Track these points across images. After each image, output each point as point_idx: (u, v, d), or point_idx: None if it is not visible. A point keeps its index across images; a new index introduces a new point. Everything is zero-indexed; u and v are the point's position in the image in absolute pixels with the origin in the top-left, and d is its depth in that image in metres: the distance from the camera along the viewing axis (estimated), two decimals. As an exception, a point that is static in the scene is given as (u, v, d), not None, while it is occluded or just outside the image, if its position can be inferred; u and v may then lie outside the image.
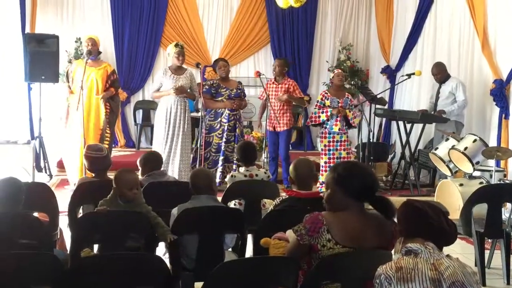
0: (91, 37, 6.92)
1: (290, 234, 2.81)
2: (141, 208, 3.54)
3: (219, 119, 6.81)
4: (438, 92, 7.26)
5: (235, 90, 6.87)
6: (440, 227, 2.35)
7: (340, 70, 7.29)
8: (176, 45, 6.75)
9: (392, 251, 2.63)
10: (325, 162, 6.82)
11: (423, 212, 2.38)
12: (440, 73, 7.23)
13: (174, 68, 6.78)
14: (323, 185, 6.56)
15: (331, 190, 2.71)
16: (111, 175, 4.43)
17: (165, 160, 6.58)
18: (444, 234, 2.37)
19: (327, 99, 6.81)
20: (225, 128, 6.79)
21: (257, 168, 4.87)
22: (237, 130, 6.87)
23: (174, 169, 6.66)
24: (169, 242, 3.37)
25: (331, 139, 6.82)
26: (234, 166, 6.76)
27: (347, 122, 6.88)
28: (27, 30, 8.11)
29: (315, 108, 6.92)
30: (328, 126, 6.81)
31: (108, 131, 6.89)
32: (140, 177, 4.41)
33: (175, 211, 3.50)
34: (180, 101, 6.68)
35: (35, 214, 3.82)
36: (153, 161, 4.51)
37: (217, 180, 6.43)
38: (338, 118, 6.77)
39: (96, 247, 3.58)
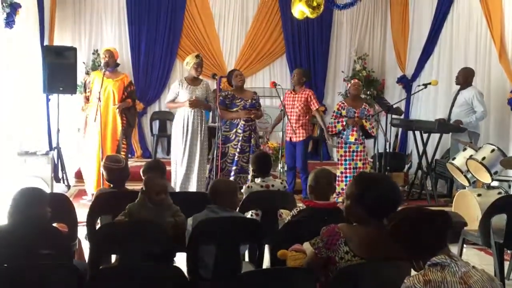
0: (108, 49, 7.01)
1: (307, 246, 2.80)
2: (171, 209, 3.66)
3: (235, 129, 6.79)
4: (455, 99, 7.20)
5: (250, 101, 6.82)
6: (437, 231, 2.25)
7: (356, 80, 7.30)
8: (197, 56, 6.75)
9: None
10: (341, 172, 6.87)
11: (416, 231, 2.26)
12: (461, 76, 7.10)
13: (190, 79, 6.80)
14: (339, 195, 6.52)
15: (351, 204, 2.68)
16: (129, 186, 4.48)
17: (183, 171, 6.65)
18: (443, 234, 2.27)
19: (344, 109, 6.84)
20: (240, 139, 6.79)
21: (273, 179, 4.85)
22: (252, 140, 6.82)
23: (191, 180, 6.68)
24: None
25: (347, 149, 6.83)
26: (249, 177, 6.73)
27: (365, 132, 6.88)
28: (46, 42, 8.23)
29: (331, 118, 6.94)
30: (344, 136, 6.83)
31: (124, 142, 6.96)
32: None
33: (190, 221, 3.53)
34: (197, 111, 6.70)
35: (54, 224, 3.86)
36: (151, 170, 4.50)
37: None
38: (355, 128, 6.78)
39: (114, 257, 3.61)
